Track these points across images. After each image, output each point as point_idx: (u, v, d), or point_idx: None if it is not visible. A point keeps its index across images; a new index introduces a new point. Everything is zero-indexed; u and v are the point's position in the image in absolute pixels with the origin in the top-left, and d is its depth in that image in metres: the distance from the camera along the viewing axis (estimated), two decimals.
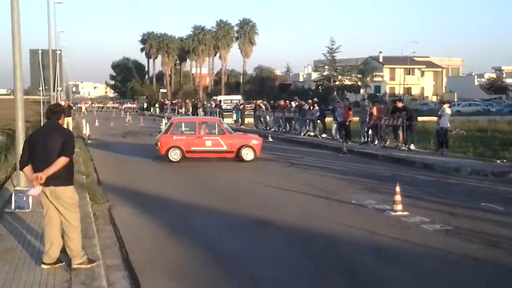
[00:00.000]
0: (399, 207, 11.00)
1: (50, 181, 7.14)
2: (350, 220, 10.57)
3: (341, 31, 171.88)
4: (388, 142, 24.53)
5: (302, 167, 19.03)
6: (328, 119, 31.67)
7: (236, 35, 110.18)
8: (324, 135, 30.27)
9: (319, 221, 10.59)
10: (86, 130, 32.46)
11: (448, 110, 21.13)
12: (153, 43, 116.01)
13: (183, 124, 21.59)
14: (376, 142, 24.79)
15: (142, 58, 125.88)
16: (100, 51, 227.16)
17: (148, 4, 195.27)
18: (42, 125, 7.58)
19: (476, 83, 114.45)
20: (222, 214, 11.65)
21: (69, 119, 36.44)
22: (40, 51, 33.18)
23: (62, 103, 43.88)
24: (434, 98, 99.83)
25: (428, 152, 21.89)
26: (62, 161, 7.10)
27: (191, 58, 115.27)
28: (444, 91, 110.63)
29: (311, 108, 31.31)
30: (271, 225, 10.46)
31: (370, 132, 25.43)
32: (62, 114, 7.63)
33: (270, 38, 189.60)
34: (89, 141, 29.25)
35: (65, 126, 8.00)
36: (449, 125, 21.17)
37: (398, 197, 11.03)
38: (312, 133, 31.22)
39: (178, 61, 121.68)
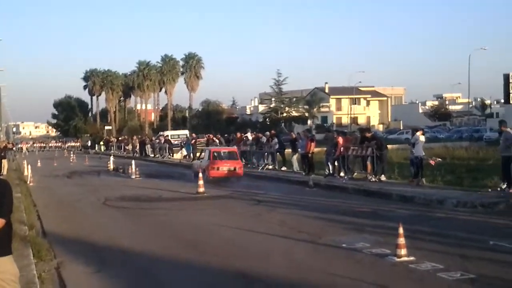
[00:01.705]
0: (403, 251, 9.39)
1: None
2: (351, 271, 8.89)
3: (286, 63, 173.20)
4: (355, 174, 23.17)
5: (270, 204, 17.34)
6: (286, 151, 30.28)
7: (181, 69, 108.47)
8: (284, 168, 28.78)
9: (315, 274, 8.87)
10: (27, 172, 30.02)
11: (422, 138, 19.90)
12: (96, 80, 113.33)
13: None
14: (342, 174, 23.39)
15: (85, 96, 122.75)
16: (42, 90, 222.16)
17: (91, 40, 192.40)
18: None
19: (420, 110, 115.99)
20: (193, 267, 9.85)
21: (4, 161, 33.90)
22: None
23: (4, 143, 41.20)
24: (381, 127, 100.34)
25: (401, 183, 20.59)
26: None
27: (136, 94, 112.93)
28: (389, 120, 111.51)
29: (270, 140, 29.82)
30: (256, 280, 8.71)
31: (335, 163, 24.04)
32: (1, 160, 5.73)
33: (216, 72, 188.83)
34: (31, 184, 26.88)
35: None
36: (423, 153, 19.92)
37: (401, 240, 9.41)
38: (270, 166, 29.72)
39: (122, 98, 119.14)
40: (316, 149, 27.07)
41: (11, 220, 5.58)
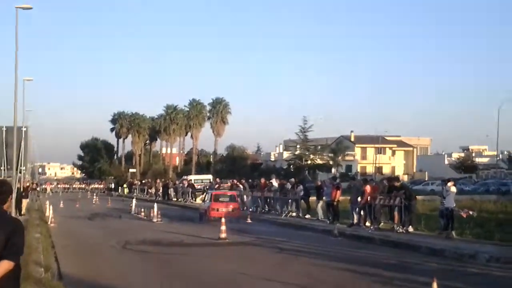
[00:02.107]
0: None
1: None
2: None
3: (313, 110, 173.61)
4: (382, 224, 22.51)
5: (293, 253, 16.76)
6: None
7: (208, 114, 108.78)
8: (308, 216, 28.18)
9: None
10: (49, 213, 29.81)
11: (453, 189, 19.21)
12: (123, 122, 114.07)
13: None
14: (368, 223, 22.73)
15: (112, 138, 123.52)
16: (69, 131, 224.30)
17: (119, 83, 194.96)
18: None
19: (446, 162, 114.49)
20: None
21: (25, 201, 33.87)
22: (4, 128, 31.00)
23: (27, 183, 41.35)
24: (406, 178, 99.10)
25: (429, 235, 19.87)
26: (3, 267, 4.83)
27: (162, 138, 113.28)
28: (415, 170, 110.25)
29: (295, 187, 29.31)
30: None
31: (361, 212, 23.42)
32: (10, 195, 5.36)
33: (242, 117, 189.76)
34: (51, 225, 26.62)
35: (12, 210, 5.77)
36: (454, 204, 19.23)
37: None
38: (294, 214, 29.14)
39: (148, 141, 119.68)
40: (340, 198, 26.48)
41: (22, 262, 5.21)
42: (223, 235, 20.14)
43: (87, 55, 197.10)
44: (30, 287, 10.52)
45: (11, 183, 5.42)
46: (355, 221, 23.55)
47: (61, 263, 15.15)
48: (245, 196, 36.25)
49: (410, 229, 20.63)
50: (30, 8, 29.19)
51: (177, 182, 57.71)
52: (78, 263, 15.42)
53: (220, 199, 29.48)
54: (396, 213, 21.22)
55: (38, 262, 13.73)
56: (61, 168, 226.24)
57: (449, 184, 19.45)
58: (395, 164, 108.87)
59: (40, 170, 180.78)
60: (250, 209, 33.52)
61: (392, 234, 19.92)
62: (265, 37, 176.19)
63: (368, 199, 22.38)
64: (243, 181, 39.25)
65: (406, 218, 20.72)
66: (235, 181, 38.89)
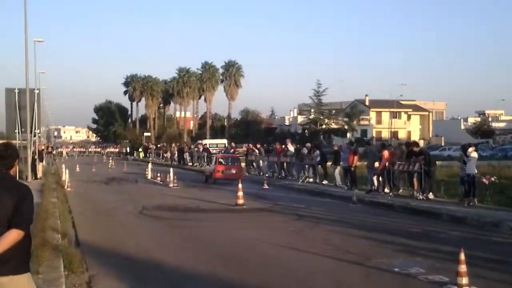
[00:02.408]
0: (464, 280, 8.49)
1: None
2: None
3: (326, 74, 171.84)
4: (401, 190, 22.19)
5: (312, 220, 16.52)
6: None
7: (221, 77, 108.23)
8: (325, 182, 27.90)
9: None
10: (65, 177, 29.77)
11: (474, 154, 18.75)
12: (136, 85, 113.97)
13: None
14: (387, 190, 22.42)
15: (125, 101, 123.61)
16: (82, 94, 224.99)
17: (132, 46, 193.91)
18: None
19: (462, 127, 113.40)
20: (232, 286, 9.16)
21: (41, 164, 33.77)
22: (16, 90, 30.72)
23: (42, 147, 41.28)
24: (422, 143, 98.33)
25: (450, 202, 19.53)
26: (12, 236, 4.56)
27: (175, 101, 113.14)
28: (431, 135, 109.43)
29: (311, 152, 28.97)
30: None
31: (379, 178, 23.10)
32: (16, 159, 5.04)
33: (255, 81, 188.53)
34: (68, 189, 26.58)
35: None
36: (476, 171, 18.83)
37: (463, 267, 8.49)
38: (311, 179, 28.86)
39: (162, 104, 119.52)
40: (357, 163, 26.09)
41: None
42: (240, 201, 19.95)
43: (101, 18, 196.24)
44: (48, 254, 10.36)
45: (16, 146, 5.10)
46: (374, 187, 23.23)
47: (78, 229, 15.06)
48: (261, 161, 36.02)
49: (430, 196, 20.29)
50: None
51: (192, 147, 57.58)
52: (95, 229, 15.29)
53: (223, 162, 31.50)
54: (415, 179, 20.89)
55: (55, 228, 13.59)
56: (76, 132, 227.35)
57: (470, 149, 18.97)
58: (410, 128, 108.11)
59: (55, 133, 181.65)
60: (266, 174, 33.31)
61: (412, 201, 19.61)
62: (278, 3, 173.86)
63: (386, 165, 22.01)
64: (259, 145, 38.95)
65: (426, 185, 20.35)
66: (250, 145, 38.64)
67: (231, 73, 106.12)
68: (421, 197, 20.10)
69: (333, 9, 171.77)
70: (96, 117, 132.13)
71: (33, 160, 31.35)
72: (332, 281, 9.36)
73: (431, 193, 20.44)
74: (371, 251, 11.66)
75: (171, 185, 28.81)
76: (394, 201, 19.98)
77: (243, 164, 39.24)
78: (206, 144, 56.19)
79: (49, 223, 14.18)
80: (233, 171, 30.38)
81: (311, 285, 9.18)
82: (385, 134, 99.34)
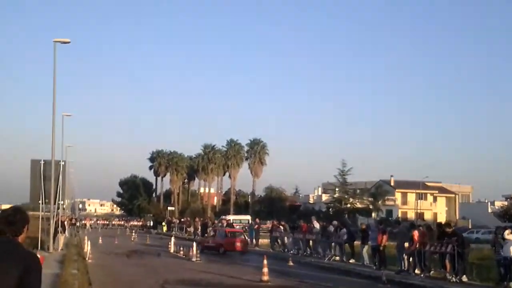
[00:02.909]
0: None
1: None
2: None
3: (351, 154, 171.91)
4: (432, 272, 21.34)
5: None
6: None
7: (246, 154, 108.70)
8: (352, 261, 27.10)
9: None
10: (87, 248, 29.36)
11: (510, 237, 18.04)
12: (162, 161, 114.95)
13: None
14: (418, 271, 21.60)
15: (150, 176, 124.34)
16: (108, 168, 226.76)
17: (158, 123, 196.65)
18: None
19: (490, 210, 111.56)
20: None
21: (62, 236, 33.54)
22: (42, 162, 30.84)
23: (66, 218, 41.15)
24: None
25: (485, 285, 18.68)
26: None
27: (199, 177, 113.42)
28: (457, 218, 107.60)
29: (338, 230, 28.31)
30: None
31: (410, 259, 22.31)
32: (25, 225, 4.57)
33: (280, 158, 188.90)
34: (89, 261, 26.13)
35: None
36: None
37: None
38: (338, 258, 28.06)
39: (186, 180, 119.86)
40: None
41: None
42: (265, 278, 19.33)
43: (128, 94, 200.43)
44: None
45: (26, 211, 4.68)
46: (404, 267, 22.43)
47: None
48: (285, 238, 35.35)
49: (464, 278, 19.43)
50: (68, 42, 29.28)
51: (215, 222, 57.03)
52: None
53: (230, 235, 35.16)
54: (447, 261, 20.11)
55: None
56: (101, 205, 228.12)
57: (507, 232, 18.24)
58: (436, 210, 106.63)
59: (80, 206, 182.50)
60: (291, 251, 32.58)
61: (445, 283, 18.81)
62: (303, 79, 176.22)
63: (417, 246, 21.28)
64: (283, 223, 38.37)
65: (459, 267, 19.54)
66: (275, 222, 38.04)
67: (256, 151, 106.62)
68: (454, 280, 19.28)
69: (358, 88, 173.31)
70: (121, 191, 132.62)
71: (55, 231, 31.12)
72: None
73: (464, 275, 19.59)
74: None
75: (194, 259, 28.21)
76: (426, 282, 19.18)
77: (266, 240, 38.77)
78: (230, 219, 55.65)
79: None
80: (239, 243, 33.62)
81: None
82: (411, 215, 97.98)
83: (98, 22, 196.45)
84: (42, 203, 30.77)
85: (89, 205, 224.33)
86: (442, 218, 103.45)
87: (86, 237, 38.87)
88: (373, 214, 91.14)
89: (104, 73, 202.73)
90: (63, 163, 33.82)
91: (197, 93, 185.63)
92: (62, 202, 34.22)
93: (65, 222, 38.98)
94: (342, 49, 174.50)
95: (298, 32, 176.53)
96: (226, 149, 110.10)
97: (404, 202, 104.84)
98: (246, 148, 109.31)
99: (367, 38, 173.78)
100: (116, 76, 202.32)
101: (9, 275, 4.12)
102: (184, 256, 30.72)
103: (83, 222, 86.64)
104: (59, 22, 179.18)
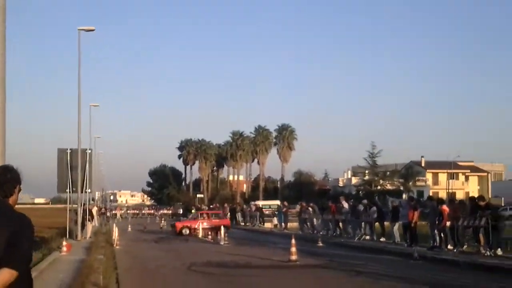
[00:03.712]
0: None
1: None
2: None
3: (381, 135, 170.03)
4: (465, 247, 20.67)
5: (372, 276, 15.26)
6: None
7: (274, 140, 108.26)
8: (383, 239, 26.52)
9: None
10: (115, 236, 29.21)
11: None
12: (190, 149, 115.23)
13: None
14: (450, 246, 20.96)
15: (179, 165, 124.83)
16: (138, 159, 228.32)
17: (186, 111, 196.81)
18: None
19: None
20: None
21: (90, 224, 33.54)
22: (68, 150, 30.78)
23: (95, 207, 41.23)
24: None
25: None
26: (3, 277, 3.70)
27: (228, 164, 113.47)
28: (490, 196, 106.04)
29: (368, 208, 27.71)
30: None
31: (441, 234, 21.65)
32: (16, 186, 4.16)
33: (308, 143, 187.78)
34: (117, 247, 26.00)
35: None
36: None
37: None
38: (368, 237, 27.49)
39: (215, 167, 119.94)
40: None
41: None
42: (293, 257, 18.86)
43: (156, 83, 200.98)
44: None
45: (17, 170, 4.23)
46: (436, 243, 21.79)
47: (121, 285, 14.25)
48: (314, 219, 34.88)
49: (499, 252, 18.74)
50: (93, 30, 29.08)
51: (244, 207, 56.78)
52: (140, 285, 14.47)
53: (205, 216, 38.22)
54: (481, 235, 19.42)
55: (96, 284, 12.82)
56: (132, 195, 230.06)
57: None
58: (468, 189, 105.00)
59: (111, 197, 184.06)
60: (320, 233, 32.09)
61: (479, 258, 18.13)
62: (329, 62, 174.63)
63: (447, 222, 20.62)
64: (312, 204, 37.84)
65: (493, 240, 18.86)
66: (303, 203, 37.53)
67: (284, 136, 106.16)
68: (488, 253, 18.60)
69: (389, 70, 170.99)
70: (151, 181, 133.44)
71: (83, 220, 31.11)
72: None
73: (499, 249, 18.91)
74: None
75: (221, 242, 27.94)
76: (459, 257, 18.53)
77: (295, 224, 38.40)
78: (259, 204, 55.39)
79: (91, 278, 13.44)
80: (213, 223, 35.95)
81: None
82: (442, 195, 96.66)
83: (124, 9, 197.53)
84: (70, 192, 30.75)
85: (120, 196, 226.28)
86: None
87: (115, 226, 38.88)
88: (404, 196, 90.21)
89: (131, 62, 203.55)
90: (89, 151, 33.74)
91: (225, 80, 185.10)
92: (89, 191, 34.12)
93: (93, 211, 38.89)
94: (368, 30, 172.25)
95: (317, 13, 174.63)
96: (254, 136, 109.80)
97: (436, 182, 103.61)
98: (274, 134, 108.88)
99: (398, 18, 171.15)
100: (143, 66, 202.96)
101: None
102: (212, 241, 30.54)
103: (113, 212, 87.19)
104: (84, 10, 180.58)
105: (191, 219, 41.68)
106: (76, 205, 32.27)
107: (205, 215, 39.77)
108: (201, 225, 36.50)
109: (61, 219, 42.43)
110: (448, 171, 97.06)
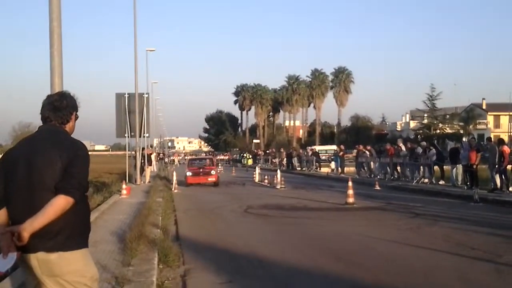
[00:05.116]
0: None
1: (39, 243, 3.69)
2: None
3: (440, 78, 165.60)
4: None
5: (430, 218, 15.04)
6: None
7: (331, 84, 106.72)
8: (442, 182, 26.06)
9: None
10: (173, 179, 29.64)
11: None
12: (246, 95, 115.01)
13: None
14: (511, 188, 20.44)
15: (235, 110, 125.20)
16: (195, 105, 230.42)
17: (242, 56, 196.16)
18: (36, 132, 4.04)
19: None
20: (339, 281, 8.09)
21: (149, 168, 34.07)
22: (126, 95, 31.12)
23: (152, 151, 41.80)
24: None
25: None
26: (59, 204, 3.67)
27: (284, 109, 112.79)
28: None
29: (427, 151, 27.18)
30: None
31: (503, 176, 21.11)
32: (73, 112, 4.13)
33: (366, 86, 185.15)
34: (175, 191, 26.43)
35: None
36: None
37: None
38: (426, 180, 27.02)
39: (271, 112, 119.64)
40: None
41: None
42: (350, 200, 18.79)
43: (211, 30, 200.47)
44: (142, 247, 9.73)
45: (74, 97, 4.18)
46: (497, 185, 21.27)
47: (179, 226, 14.49)
48: (371, 163, 34.50)
49: None
50: None
51: (301, 151, 56.70)
52: (197, 226, 14.66)
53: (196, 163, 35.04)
54: None
55: (155, 224, 13.06)
56: (189, 142, 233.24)
57: None
58: None
59: (169, 144, 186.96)
60: (378, 176, 31.78)
61: None
62: (383, 7, 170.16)
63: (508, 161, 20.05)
64: (369, 147, 37.38)
65: None
66: (360, 146, 37.11)
67: (341, 80, 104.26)
68: None
69: (448, 10, 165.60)
70: (208, 127, 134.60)
71: (142, 164, 31.64)
72: (457, 277, 8.07)
73: None
74: (501, 249, 10.19)
75: (278, 186, 28.05)
76: None
77: (352, 169, 38.12)
78: (315, 149, 55.20)
79: (150, 219, 13.71)
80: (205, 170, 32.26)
81: (433, 281, 7.94)
82: (505, 139, 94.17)
83: None
84: (128, 137, 31.22)
85: (177, 143, 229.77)
86: None
87: (174, 171, 39.46)
88: (464, 139, 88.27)
89: (187, 8, 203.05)
90: (146, 95, 33.99)
91: (280, 24, 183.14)
92: (147, 135, 34.53)
93: (152, 157, 39.48)
94: None
95: None
96: (310, 79, 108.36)
97: (497, 125, 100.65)
98: (330, 78, 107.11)
99: None
100: (199, 12, 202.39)
101: (54, 165, 3.76)
102: (268, 185, 30.64)
103: (171, 158, 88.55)
104: None
105: None
106: (135, 151, 32.83)
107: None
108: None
109: (121, 165, 43.41)
110: (511, 113, 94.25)
